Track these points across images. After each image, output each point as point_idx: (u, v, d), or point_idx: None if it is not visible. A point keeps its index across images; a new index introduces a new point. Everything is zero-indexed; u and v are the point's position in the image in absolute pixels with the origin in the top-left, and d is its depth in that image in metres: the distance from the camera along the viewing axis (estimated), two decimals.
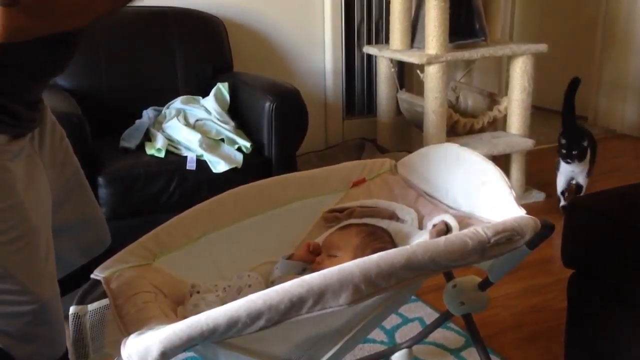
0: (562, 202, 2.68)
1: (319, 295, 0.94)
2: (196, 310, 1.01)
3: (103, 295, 1.11)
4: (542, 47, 2.76)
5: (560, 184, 2.68)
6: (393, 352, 1.67)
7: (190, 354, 1.67)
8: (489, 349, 1.50)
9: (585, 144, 2.57)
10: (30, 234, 0.94)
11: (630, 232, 1.32)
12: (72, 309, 1.07)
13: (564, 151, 2.57)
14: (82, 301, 1.09)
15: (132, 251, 1.20)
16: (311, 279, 0.95)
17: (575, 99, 2.65)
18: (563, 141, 2.58)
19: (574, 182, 2.67)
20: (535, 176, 2.99)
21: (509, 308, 1.96)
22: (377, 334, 1.79)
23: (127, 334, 0.96)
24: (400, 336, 1.79)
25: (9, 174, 0.91)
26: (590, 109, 4.10)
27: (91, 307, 1.12)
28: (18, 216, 0.91)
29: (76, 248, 1.20)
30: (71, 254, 1.18)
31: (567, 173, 2.65)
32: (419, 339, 1.67)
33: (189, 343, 0.90)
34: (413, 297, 1.97)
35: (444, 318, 1.59)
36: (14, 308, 0.90)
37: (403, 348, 1.66)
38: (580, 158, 2.55)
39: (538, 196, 2.87)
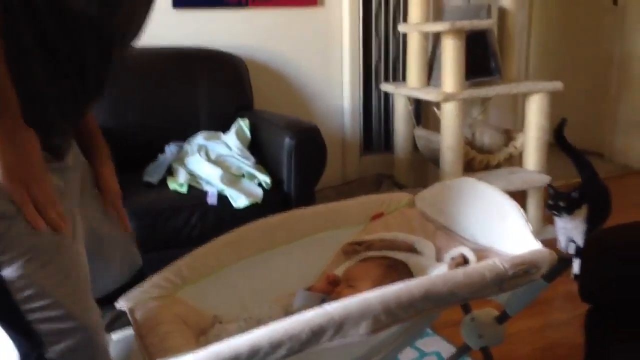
0: (574, 269, 2.23)
1: (339, 325, 0.96)
2: (218, 340, 1.03)
3: (127, 325, 1.14)
4: (558, 84, 2.80)
5: (561, 243, 2.32)
6: None
7: None
8: None
9: (576, 195, 2.20)
10: (75, 258, 0.96)
11: None
12: None
13: (549, 202, 2.23)
14: (107, 330, 1.12)
15: (156, 282, 1.23)
16: (332, 308, 0.97)
17: (569, 139, 2.41)
18: (550, 190, 2.25)
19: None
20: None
21: (527, 344, 1.95)
22: None
23: None
24: None
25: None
26: (606, 146, 4.11)
27: (115, 336, 1.15)
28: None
29: (113, 269, 1.23)
30: (109, 275, 1.21)
31: (560, 230, 2.30)
32: None
33: None
34: (430, 331, 1.97)
35: (462, 351, 1.58)
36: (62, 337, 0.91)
37: None
38: (568, 211, 2.16)
39: (555, 232, 2.86)
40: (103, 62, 1.00)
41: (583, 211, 2.20)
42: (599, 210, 2.28)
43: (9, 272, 0.86)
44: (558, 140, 2.38)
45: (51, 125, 0.97)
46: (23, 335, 0.89)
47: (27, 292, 0.86)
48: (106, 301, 1.07)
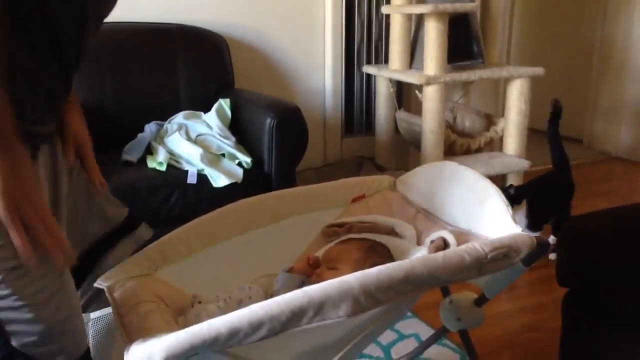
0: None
1: (319, 307, 0.96)
2: (197, 320, 1.02)
3: (106, 304, 1.13)
4: (539, 70, 2.81)
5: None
6: None
7: None
8: None
9: (512, 192, 2.27)
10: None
11: (623, 252, 1.35)
12: None
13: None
14: (84, 309, 1.11)
15: (135, 261, 1.21)
16: (312, 290, 0.97)
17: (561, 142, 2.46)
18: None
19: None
20: None
21: (504, 326, 1.98)
22: (373, 350, 1.80)
23: (130, 342, 0.98)
24: (396, 352, 1.80)
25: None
26: (586, 132, 4.15)
27: (94, 315, 1.14)
28: None
29: (97, 218, 1.18)
30: (92, 224, 1.17)
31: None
32: (415, 354, 1.68)
33: (190, 351, 0.92)
34: (409, 313, 1.98)
35: (440, 334, 1.60)
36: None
37: None
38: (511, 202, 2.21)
39: None
40: (78, 36, 0.96)
41: (522, 207, 2.29)
42: (547, 206, 2.35)
43: None
44: (552, 125, 2.41)
45: (24, 103, 0.94)
46: None
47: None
48: (92, 253, 1.04)
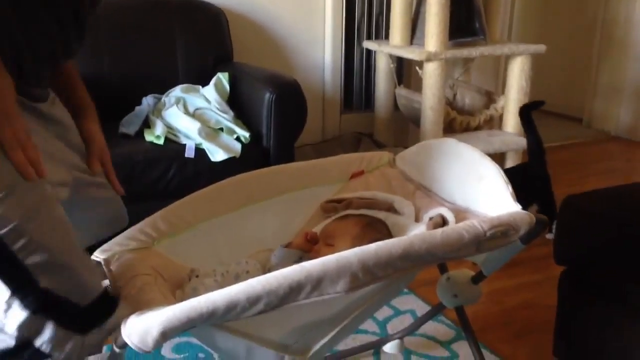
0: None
1: (317, 282, 0.96)
2: (195, 294, 1.02)
3: (103, 277, 1.13)
4: (541, 47, 2.79)
5: None
6: (384, 343, 1.70)
7: (185, 338, 1.70)
8: (479, 342, 1.53)
9: None
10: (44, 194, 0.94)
11: (621, 231, 1.35)
12: None
13: None
14: None
15: (132, 235, 1.21)
16: (310, 265, 0.97)
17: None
18: None
19: None
20: None
21: (501, 303, 1.99)
22: (369, 325, 1.81)
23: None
24: (392, 328, 1.81)
25: None
26: (586, 111, 4.14)
27: None
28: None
29: (100, 221, 1.22)
30: (95, 227, 1.20)
31: None
32: (411, 330, 1.69)
33: (188, 325, 0.92)
34: (405, 289, 1.99)
35: (436, 310, 1.61)
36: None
37: (394, 339, 1.68)
38: None
39: None
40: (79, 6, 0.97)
41: None
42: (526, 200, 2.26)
43: None
44: (525, 117, 2.27)
45: (23, 69, 0.94)
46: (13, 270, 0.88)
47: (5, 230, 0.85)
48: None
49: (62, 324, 0.92)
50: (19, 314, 0.89)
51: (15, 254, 0.87)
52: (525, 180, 2.23)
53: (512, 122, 2.83)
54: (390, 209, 1.40)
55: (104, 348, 1.18)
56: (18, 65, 0.93)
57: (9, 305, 0.89)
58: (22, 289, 0.89)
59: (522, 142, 2.79)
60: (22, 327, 0.89)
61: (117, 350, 0.98)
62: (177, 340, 1.72)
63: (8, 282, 0.89)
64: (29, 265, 0.88)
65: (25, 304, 0.89)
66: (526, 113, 2.26)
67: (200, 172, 2.13)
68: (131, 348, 0.93)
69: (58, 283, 0.91)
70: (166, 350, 1.70)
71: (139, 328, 0.92)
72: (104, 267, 1.12)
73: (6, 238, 0.85)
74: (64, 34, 1.03)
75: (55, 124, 1.08)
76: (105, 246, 1.16)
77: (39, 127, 1.02)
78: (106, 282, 1.08)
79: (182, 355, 1.68)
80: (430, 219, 1.31)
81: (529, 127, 2.26)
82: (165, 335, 0.91)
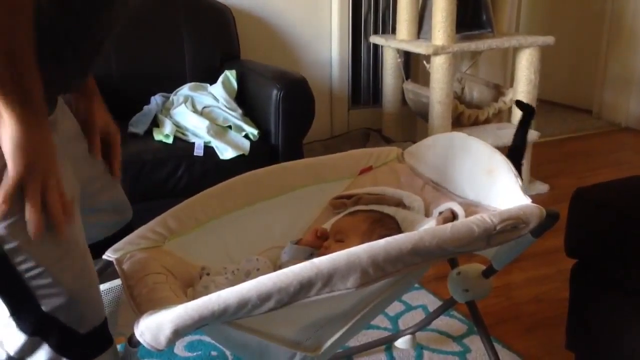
0: None
1: (328, 278, 0.96)
2: (206, 292, 1.02)
3: (115, 276, 1.13)
4: (549, 39, 2.77)
5: None
6: (396, 339, 1.70)
7: (197, 336, 1.70)
8: (491, 336, 1.52)
9: None
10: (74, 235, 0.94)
11: (632, 223, 1.34)
12: None
13: None
14: None
15: (143, 234, 1.22)
16: (320, 262, 0.97)
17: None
18: None
19: None
20: (539, 168, 3.01)
21: (512, 297, 1.99)
22: (380, 321, 1.81)
23: (140, 313, 0.98)
24: (404, 323, 1.81)
25: None
26: (595, 102, 4.11)
27: (103, 287, 1.15)
28: None
29: (103, 223, 1.21)
30: (97, 227, 1.20)
31: None
32: (423, 325, 1.69)
33: (200, 322, 0.92)
34: (416, 285, 1.99)
35: (448, 305, 1.61)
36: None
37: (406, 334, 1.68)
38: None
39: (542, 188, 2.89)
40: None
41: None
42: None
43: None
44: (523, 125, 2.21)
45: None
46: (16, 292, 0.88)
47: (21, 258, 0.86)
48: (92, 252, 1.06)
49: (58, 350, 0.92)
50: (16, 334, 0.90)
51: (20, 274, 0.87)
52: None
53: (521, 115, 2.81)
54: (400, 204, 1.40)
55: (118, 347, 1.19)
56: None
57: (7, 324, 0.89)
58: (22, 311, 0.89)
59: (532, 135, 2.77)
60: (18, 348, 0.90)
61: (130, 348, 0.99)
62: (189, 338, 1.73)
63: (8, 302, 0.89)
64: (32, 287, 0.88)
65: (23, 327, 0.90)
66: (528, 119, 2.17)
67: (209, 170, 2.14)
68: (144, 346, 0.94)
69: (60, 308, 0.90)
70: (179, 348, 1.71)
71: (151, 326, 0.93)
72: (116, 266, 1.13)
73: (12, 258, 0.85)
74: (84, 66, 1.02)
75: (61, 133, 1.07)
76: (116, 245, 1.17)
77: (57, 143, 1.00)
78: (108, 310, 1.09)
79: (194, 354, 1.69)
80: (440, 213, 1.30)
81: (523, 128, 2.18)
82: (178, 333, 0.91)
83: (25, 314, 0.89)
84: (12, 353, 0.91)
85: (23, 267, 0.87)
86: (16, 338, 0.90)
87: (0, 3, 0.75)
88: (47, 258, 0.88)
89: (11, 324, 0.89)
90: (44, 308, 0.89)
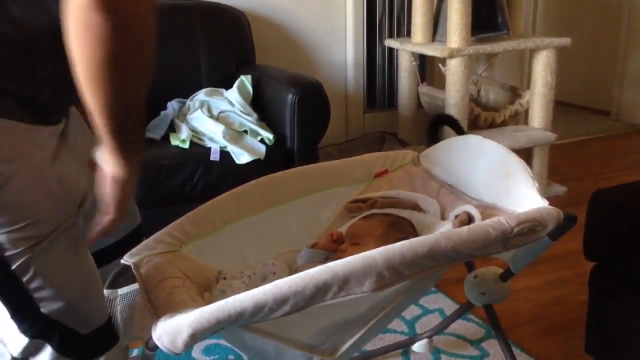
0: None
1: (344, 282, 0.96)
2: (222, 296, 1.03)
3: (132, 280, 1.14)
4: (566, 40, 2.75)
5: None
6: (413, 342, 1.69)
7: (214, 340, 1.71)
8: (509, 340, 1.51)
9: None
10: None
11: None
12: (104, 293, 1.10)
13: None
14: (112, 285, 1.12)
15: (160, 238, 1.23)
16: (336, 265, 0.97)
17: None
18: None
19: None
20: (557, 170, 2.98)
21: (530, 301, 1.97)
22: (397, 325, 1.81)
23: (157, 317, 0.99)
24: (421, 327, 1.80)
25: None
26: (614, 104, 4.06)
27: (121, 291, 1.15)
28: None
29: None
30: None
31: None
32: (440, 329, 1.68)
33: (217, 326, 0.93)
34: (433, 288, 1.98)
35: (465, 309, 1.60)
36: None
37: (423, 338, 1.68)
38: None
39: (559, 190, 2.86)
40: None
41: None
42: None
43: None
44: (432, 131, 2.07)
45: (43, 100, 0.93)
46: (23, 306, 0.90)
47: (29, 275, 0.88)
48: (100, 257, 1.07)
49: (61, 350, 0.93)
50: (18, 336, 0.91)
51: (18, 277, 0.88)
52: None
53: (538, 117, 2.79)
54: (415, 207, 1.40)
55: (135, 350, 1.20)
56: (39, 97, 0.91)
57: (10, 326, 0.91)
58: (22, 314, 0.90)
59: (549, 137, 2.75)
60: (21, 349, 0.91)
61: (148, 352, 1.00)
62: (207, 342, 1.74)
63: (8, 305, 0.90)
64: (30, 290, 0.89)
65: (24, 329, 0.91)
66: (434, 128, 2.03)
67: (225, 174, 2.15)
68: (162, 350, 0.94)
69: (60, 310, 0.91)
70: (196, 352, 1.72)
71: (169, 330, 0.94)
72: (134, 270, 1.14)
73: (12, 263, 0.87)
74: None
75: (75, 138, 1.08)
76: (134, 250, 1.18)
77: (66, 153, 1.00)
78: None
79: (212, 357, 1.70)
80: (456, 216, 1.30)
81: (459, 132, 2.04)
82: (195, 337, 0.92)
83: (25, 316, 0.90)
84: (15, 354, 0.92)
85: (20, 270, 0.88)
86: (19, 340, 0.91)
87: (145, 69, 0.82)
88: (49, 270, 0.90)
89: (13, 326, 0.90)
90: (43, 310, 0.90)
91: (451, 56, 2.57)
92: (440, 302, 1.93)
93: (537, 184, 1.23)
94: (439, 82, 2.98)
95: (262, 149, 2.21)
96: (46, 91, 0.89)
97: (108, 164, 0.87)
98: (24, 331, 0.90)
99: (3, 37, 0.84)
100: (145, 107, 1.03)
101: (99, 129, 0.82)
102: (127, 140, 0.84)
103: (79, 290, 0.94)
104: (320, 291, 0.95)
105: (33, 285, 0.89)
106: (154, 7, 0.77)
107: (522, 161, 1.29)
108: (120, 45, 0.75)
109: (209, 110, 2.36)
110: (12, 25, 0.82)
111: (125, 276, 1.17)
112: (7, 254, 0.86)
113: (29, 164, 0.88)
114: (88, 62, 0.75)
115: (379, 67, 3.32)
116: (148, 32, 0.78)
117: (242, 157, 2.16)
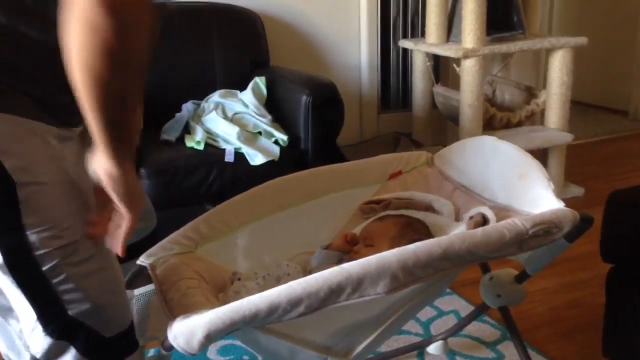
0: None
1: (358, 283, 0.96)
2: (237, 297, 1.03)
3: (148, 281, 1.15)
4: (582, 40, 2.72)
5: None
6: (428, 344, 1.68)
7: (229, 341, 1.72)
8: (525, 342, 1.50)
9: None
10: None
11: None
12: None
13: None
14: (129, 286, 1.13)
15: (176, 239, 1.24)
16: (350, 267, 0.97)
17: None
18: None
19: None
20: (573, 171, 2.96)
21: (546, 303, 1.95)
22: (412, 326, 1.80)
23: (172, 317, 1.00)
24: (435, 328, 1.80)
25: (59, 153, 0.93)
26: (632, 104, 4.02)
27: (137, 291, 1.17)
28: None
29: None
30: None
31: None
32: (455, 331, 1.68)
33: (231, 327, 0.93)
34: (448, 290, 1.97)
35: (480, 310, 1.59)
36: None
37: (438, 340, 1.67)
38: None
39: (577, 191, 2.84)
40: None
41: None
42: None
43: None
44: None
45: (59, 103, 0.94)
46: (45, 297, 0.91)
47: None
48: (119, 257, 1.08)
49: (85, 353, 0.94)
50: (42, 337, 0.92)
51: (48, 279, 0.89)
52: None
53: (554, 117, 2.77)
54: (429, 208, 1.39)
55: (151, 350, 1.21)
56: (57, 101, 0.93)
57: (34, 327, 0.91)
58: (48, 315, 0.91)
59: (566, 137, 2.73)
60: (44, 351, 0.92)
61: (163, 352, 1.00)
62: (222, 342, 1.74)
63: (35, 306, 0.91)
64: (59, 292, 0.90)
65: (49, 331, 0.91)
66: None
67: (240, 176, 2.16)
68: (177, 350, 0.95)
69: (86, 313, 0.92)
70: (211, 352, 1.73)
71: (184, 330, 0.94)
72: (149, 271, 1.15)
73: (42, 264, 0.88)
74: None
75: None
76: (150, 251, 1.19)
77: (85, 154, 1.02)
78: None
79: (227, 358, 1.71)
80: (471, 218, 1.29)
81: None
82: (210, 337, 0.93)
83: (52, 318, 0.91)
84: (38, 356, 0.93)
85: (50, 272, 0.89)
86: (43, 341, 0.92)
87: (137, 64, 0.84)
88: (76, 272, 0.91)
89: (38, 327, 0.91)
90: (70, 312, 0.91)
91: (466, 56, 2.56)
92: (455, 304, 1.93)
93: (552, 185, 1.22)
94: (454, 82, 2.97)
95: (276, 150, 2.22)
96: (68, 93, 0.91)
97: (101, 162, 0.86)
98: (50, 332, 0.91)
99: (42, 44, 0.86)
100: (144, 108, 1.04)
101: (90, 123, 0.83)
102: (118, 138, 0.84)
103: (106, 292, 0.95)
104: (334, 293, 0.95)
105: (62, 287, 0.90)
106: (153, 8, 0.79)
107: (537, 162, 1.28)
108: (120, 43, 0.76)
109: (224, 112, 2.37)
110: (53, 33, 0.84)
111: (141, 277, 1.18)
112: (37, 253, 0.87)
113: (55, 166, 0.90)
114: (86, 57, 0.76)
115: (393, 67, 3.31)
116: (147, 32, 0.80)
117: (256, 159, 2.17)
